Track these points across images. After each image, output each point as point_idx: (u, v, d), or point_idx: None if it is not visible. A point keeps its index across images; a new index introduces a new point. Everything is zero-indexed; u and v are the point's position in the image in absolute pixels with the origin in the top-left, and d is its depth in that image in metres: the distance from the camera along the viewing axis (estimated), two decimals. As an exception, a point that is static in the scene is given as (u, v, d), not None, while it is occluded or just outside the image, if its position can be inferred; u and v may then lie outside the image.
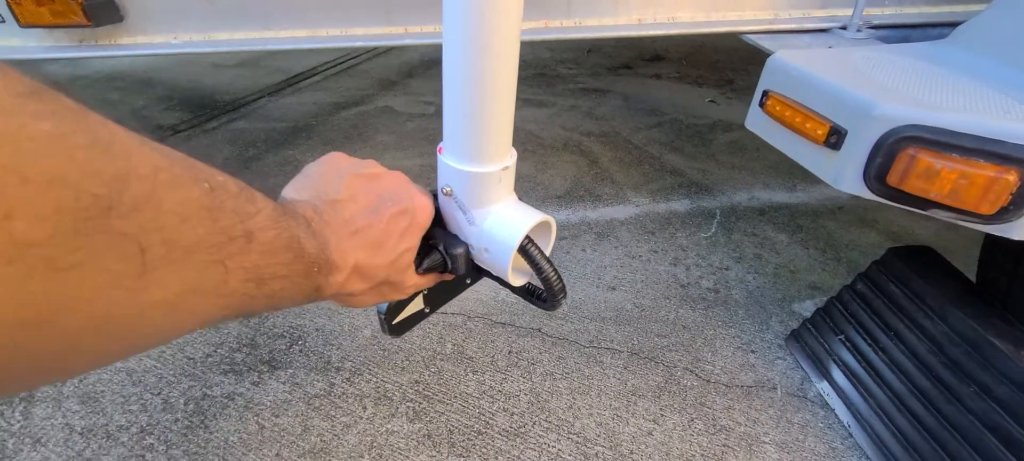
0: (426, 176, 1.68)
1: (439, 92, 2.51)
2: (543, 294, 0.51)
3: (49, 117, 0.17)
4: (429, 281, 0.50)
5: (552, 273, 0.45)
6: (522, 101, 2.32)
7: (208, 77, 2.62)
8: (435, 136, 1.96)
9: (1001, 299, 0.75)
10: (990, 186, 0.47)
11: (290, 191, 0.39)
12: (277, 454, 0.84)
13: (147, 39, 0.93)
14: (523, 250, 0.47)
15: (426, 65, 2.83)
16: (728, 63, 2.86)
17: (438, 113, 2.20)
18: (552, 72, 2.70)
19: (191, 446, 0.85)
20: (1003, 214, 0.49)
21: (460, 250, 0.49)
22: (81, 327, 0.19)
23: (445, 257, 0.50)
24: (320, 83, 2.57)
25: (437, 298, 0.56)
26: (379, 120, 2.11)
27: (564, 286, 0.46)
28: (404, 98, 2.36)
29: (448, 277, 0.53)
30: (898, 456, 0.77)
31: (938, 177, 0.49)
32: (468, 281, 0.59)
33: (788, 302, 1.15)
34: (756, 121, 0.72)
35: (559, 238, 1.35)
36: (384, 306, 0.52)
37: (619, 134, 1.97)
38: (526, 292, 0.53)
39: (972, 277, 0.83)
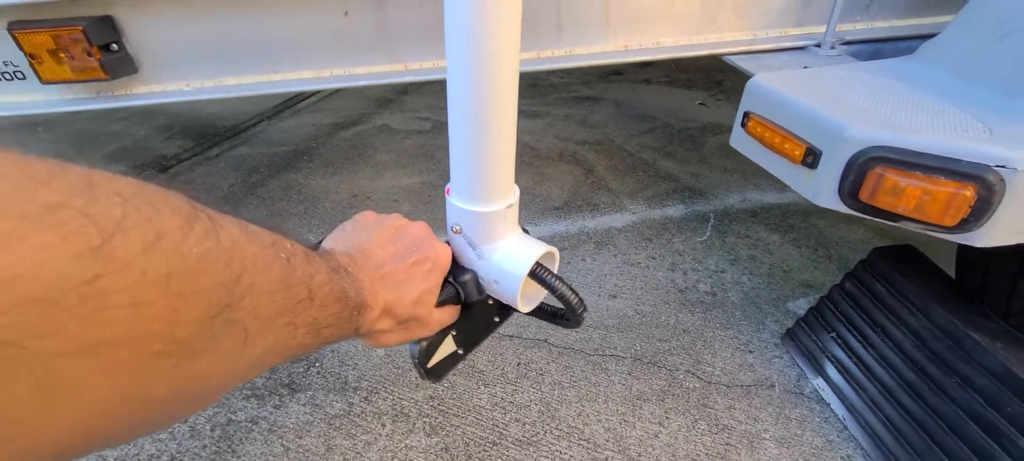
0: (426, 193, 1.73)
1: (434, 107, 2.56)
2: (564, 313, 0.54)
3: (199, 243, 0.22)
4: (450, 315, 0.54)
5: (569, 292, 0.49)
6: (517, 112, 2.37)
7: (209, 105, 2.67)
8: (433, 152, 2.01)
9: (978, 294, 0.80)
10: (950, 201, 0.52)
11: (329, 243, 0.44)
12: (303, 474, 0.89)
13: (161, 87, 0.98)
14: (536, 277, 0.51)
15: (420, 81, 2.89)
16: (716, 65, 2.92)
17: (434, 129, 2.25)
18: (544, 82, 2.76)
19: (221, 471, 0.90)
20: (964, 225, 0.54)
21: (467, 276, 0.54)
22: (195, 396, 0.24)
23: (455, 286, 0.54)
24: (317, 104, 2.62)
25: (468, 338, 0.59)
26: (377, 139, 2.16)
27: (582, 301, 0.49)
28: (400, 116, 2.41)
29: (456, 309, 0.58)
30: (890, 446, 0.82)
31: (904, 194, 0.54)
32: (496, 319, 0.64)
33: (783, 301, 1.20)
34: (740, 140, 0.77)
35: (561, 248, 1.40)
36: (416, 351, 0.56)
37: (613, 142, 2.03)
38: (549, 314, 0.57)
39: (952, 273, 0.88)
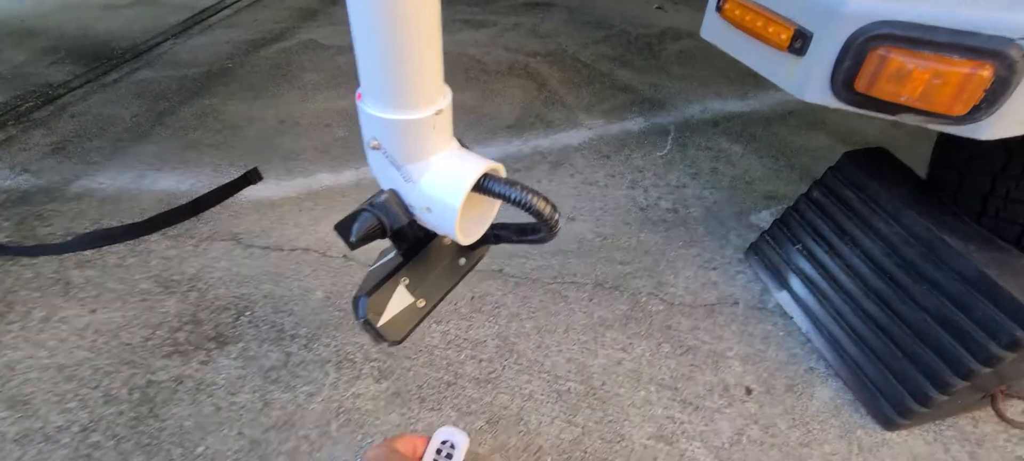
0: (367, 116, 1.55)
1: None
2: (534, 226, 0.44)
3: None
4: None
5: (536, 200, 0.39)
6: (460, 22, 2.15)
7: (99, 21, 2.28)
8: (372, 71, 1.80)
9: (952, 196, 0.76)
10: (964, 84, 0.44)
11: None
12: (239, 433, 0.80)
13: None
14: (489, 190, 0.40)
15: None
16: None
17: (373, 44, 2.01)
18: (493, -12, 2.50)
19: (143, 437, 0.80)
20: (974, 113, 0.46)
21: (382, 198, 0.43)
22: None
23: (371, 211, 0.43)
24: (231, 18, 2.29)
25: (427, 286, 0.50)
26: (304, 57, 1.91)
27: (553, 205, 0.40)
28: (328, 29, 2.14)
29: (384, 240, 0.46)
30: (853, 355, 0.80)
31: (910, 78, 0.46)
32: (462, 261, 0.53)
33: (745, 215, 1.15)
34: (712, 28, 0.66)
35: (514, 170, 1.29)
36: (362, 308, 0.45)
37: (566, 52, 1.87)
38: (518, 231, 0.47)
39: (923, 174, 0.83)
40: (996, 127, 0.47)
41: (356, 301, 0.47)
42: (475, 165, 0.42)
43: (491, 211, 0.48)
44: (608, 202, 1.20)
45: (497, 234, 0.49)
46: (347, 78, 1.75)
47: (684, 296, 0.98)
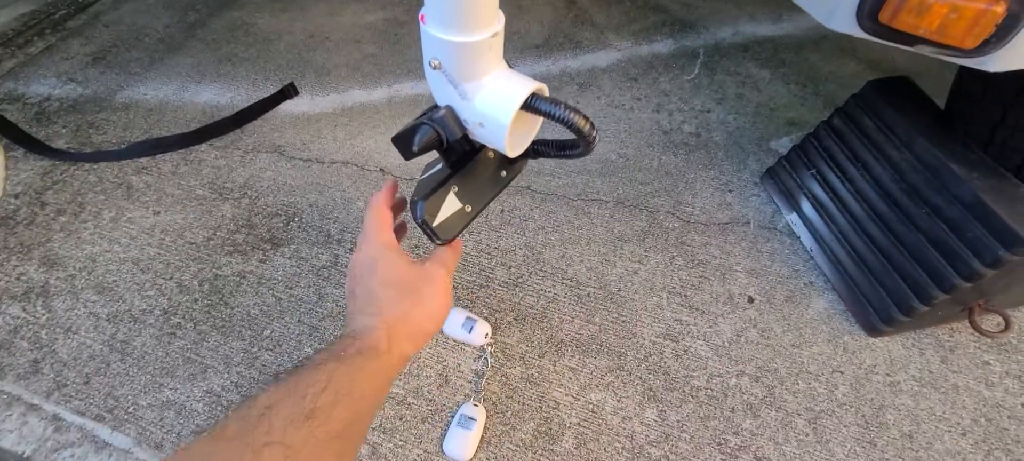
0: (392, 31, 1.56)
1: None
2: (572, 142, 0.50)
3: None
4: (450, 270, 0.53)
5: (576, 116, 0.44)
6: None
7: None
8: (397, -17, 1.77)
9: (964, 126, 0.79)
10: (978, 19, 0.48)
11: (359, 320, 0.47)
12: (299, 320, 0.92)
13: None
14: (534, 108, 0.46)
15: None
16: None
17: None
18: None
19: (217, 320, 0.92)
20: (984, 47, 0.50)
21: (442, 111, 0.49)
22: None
23: (430, 125, 0.49)
24: (253, -77, 2.21)
25: (473, 194, 0.56)
26: (331, -33, 1.88)
27: (591, 121, 0.44)
28: (355, -63, 2.07)
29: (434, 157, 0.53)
30: (850, 271, 0.88)
31: (929, 12, 0.49)
32: (503, 173, 0.59)
33: (766, 141, 1.19)
34: (752, -45, 0.67)
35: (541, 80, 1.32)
36: (420, 211, 0.52)
37: (598, -33, 1.81)
38: (556, 147, 0.53)
39: (943, 103, 0.86)
40: (1004, 60, 0.51)
41: (414, 204, 0.53)
42: (524, 85, 0.47)
43: (534, 128, 0.54)
44: (633, 124, 1.24)
45: (537, 149, 0.55)
46: (372, -9, 1.74)
47: (699, 215, 1.05)
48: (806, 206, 0.97)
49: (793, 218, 1.00)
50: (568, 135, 0.47)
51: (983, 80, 0.73)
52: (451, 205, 0.55)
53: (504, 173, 0.60)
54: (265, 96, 1.34)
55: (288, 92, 1.35)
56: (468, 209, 0.56)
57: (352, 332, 0.44)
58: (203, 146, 1.24)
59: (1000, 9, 0.47)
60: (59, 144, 1.25)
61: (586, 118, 0.44)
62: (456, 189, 0.55)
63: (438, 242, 0.54)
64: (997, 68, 0.52)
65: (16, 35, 1.61)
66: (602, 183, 1.11)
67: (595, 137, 0.46)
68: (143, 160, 1.22)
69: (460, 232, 0.56)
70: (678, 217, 1.05)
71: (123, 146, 1.24)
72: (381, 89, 1.37)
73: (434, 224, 0.53)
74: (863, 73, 1.35)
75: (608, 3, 1.64)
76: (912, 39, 0.52)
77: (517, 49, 1.47)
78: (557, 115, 0.45)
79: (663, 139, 1.21)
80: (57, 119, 1.32)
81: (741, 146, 1.18)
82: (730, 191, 1.09)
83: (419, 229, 0.53)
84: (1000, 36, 0.49)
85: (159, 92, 1.39)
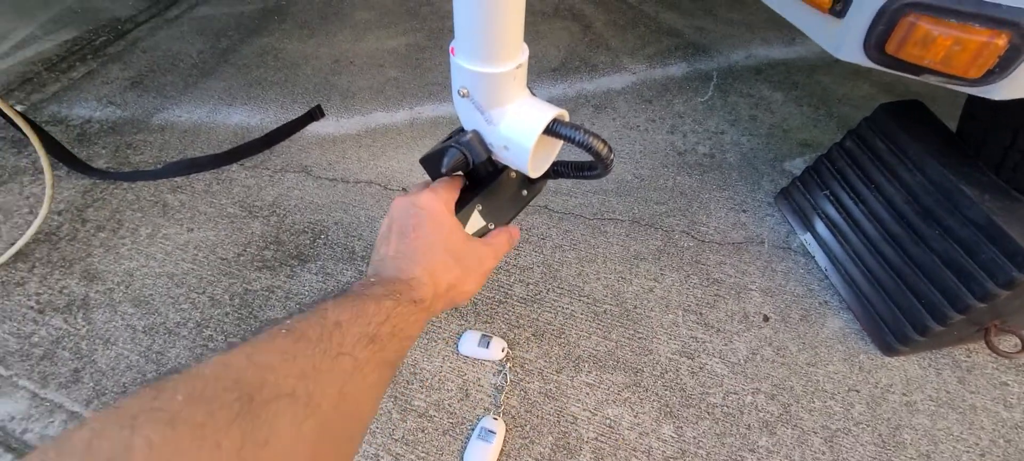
0: (413, 56, 1.62)
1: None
2: (590, 164, 0.54)
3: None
4: (496, 251, 0.55)
5: (594, 140, 0.47)
6: (507, -39, 2.13)
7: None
8: (417, 9, 1.85)
9: (976, 148, 0.81)
10: (980, 51, 0.50)
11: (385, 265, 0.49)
12: (323, 335, 0.95)
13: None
14: (554, 132, 0.50)
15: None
16: None
17: (417, -19, 2.04)
18: (535, -80, 2.44)
19: (247, 333, 0.96)
20: (988, 77, 0.52)
21: (469, 136, 0.53)
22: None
23: (458, 148, 0.53)
24: (281, -47, 2.32)
25: (497, 212, 0.60)
26: (355, -6, 1.96)
27: (609, 145, 0.48)
28: (377, -35, 2.16)
29: (459, 180, 0.57)
30: (865, 291, 0.89)
31: (934, 44, 0.52)
32: (524, 193, 0.62)
33: (779, 161, 1.21)
34: (762, -12, 0.71)
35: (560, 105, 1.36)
36: None
37: (612, -8, 1.87)
38: (575, 168, 0.57)
39: (955, 126, 0.88)
40: (1008, 89, 0.53)
41: None
42: (546, 111, 0.51)
43: (554, 150, 0.57)
44: (648, 145, 1.27)
45: (557, 170, 0.59)
46: (396, 17, 1.81)
47: (714, 234, 1.07)
48: (820, 226, 0.99)
49: (807, 238, 1.01)
50: (587, 157, 0.50)
51: (992, 105, 0.75)
52: (475, 222, 0.58)
53: (525, 192, 0.63)
54: (293, 118, 1.40)
55: (315, 114, 1.41)
56: (492, 226, 0.60)
57: (406, 277, 0.46)
58: (234, 166, 1.30)
59: (1002, 42, 0.49)
60: (99, 164, 1.32)
61: (604, 142, 0.48)
62: (480, 207, 0.59)
63: None
64: (1001, 97, 0.54)
65: (60, 60, 1.70)
66: (618, 203, 1.14)
67: (612, 160, 0.49)
68: (178, 179, 1.28)
69: None
70: (693, 236, 1.07)
71: (159, 166, 1.31)
72: (403, 111, 1.43)
73: None
74: (876, 96, 1.36)
75: (623, 28, 1.69)
76: (918, 69, 0.55)
77: (534, 72, 1.52)
78: (577, 139, 0.48)
79: (677, 160, 1.23)
80: (97, 140, 1.39)
81: (755, 167, 1.20)
82: (744, 211, 1.11)
83: None
84: (1003, 67, 0.51)
85: (193, 114, 1.46)
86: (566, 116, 0.53)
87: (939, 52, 0.52)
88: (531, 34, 1.68)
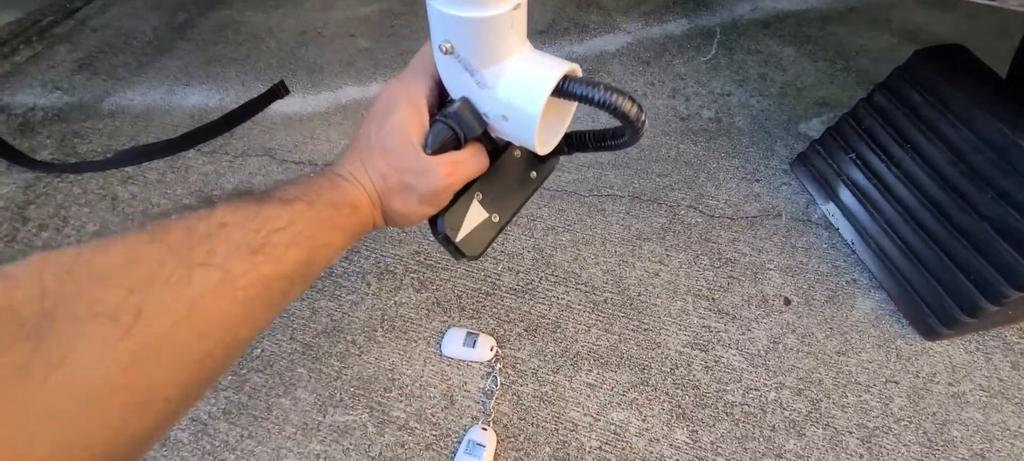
0: (387, 23, 1.48)
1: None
2: (615, 131, 0.41)
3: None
4: (459, 166, 0.42)
5: (620, 99, 0.34)
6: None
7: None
8: (392, -27, 1.69)
9: (1036, 96, 0.69)
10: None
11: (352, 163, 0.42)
12: (291, 337, 0.85)
13: None
14: (566, 92, 0.37)
15: None
16: None
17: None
18: None
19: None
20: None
21: (455, 106, 0.40)
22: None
23: (444, 122, 0.41)
24: (244, -80, 2.14)
25: (500, 201, 0.48)
26: (323, -40, 1.80)
27: (640, 105, 0.36)
28: (347, -72, 1.99)
29: (464, 157, 0.44)
30: (901, 267, 0.78)
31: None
32: (533, 174, 0.50)
33: (794, 124, 1.09)
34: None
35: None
36: (441, 226, 0.45)
37: (604, -54, 1.71)
38: (596, 139, 0.44)
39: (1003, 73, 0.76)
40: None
41: (434, 219, 0.45)
42: (554, 67, 0.38)
43: (566, 118, 0.45)
44: (647, 111, 1.15)
45: (573, 142, 0.46)
46: (367, -17, 1.66)
47: (725, 208, 0.95)
48: (845, 194, 0.87)
49: (830, 208, 0.90)
50: (608, 121, 0.38)
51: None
52: (476, 215, 0.46)
53: (534, 174, 0.51)
54: (255, 96, 1.26)
55: (278, 91, 1.27)
56: (496, 219, 0.48)
57: (337, 173, 0.40)
58: (190, 152, 1.17)
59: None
60: (43, 155, 1.19)
61: (632, 100, 0.35)
62: (480, 196, 0.46)
63: (463, 260, 0.47)
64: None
65: (2, 44, 1.56)
66: (616, 177, 1.02)
67: (644, 122, 0.36)
68: (129, 169, 1.15)
69: (488, 245, 0.48)
70: (701, 211, 0.95)
71: (108, 155, 1.18)
72: (376, 84, 1.30)
73: (458, 239, 0.45)
74: (899, 46, 1.24)
75: (616, -17, 1.54)
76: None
77: (520, 36, 1.38)
78: (597, 99, 0.35)
79: (681, 126, 1.11)
80: (41, 129, 1.26)
81: (767, 131, 1.08)
82: (757, 181, 0.99)
83: (442, 247, 0.46)
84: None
85: (146, 97, 1.33)
86: (579, 71, 0.40)
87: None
88: (516, -5, 1.53)
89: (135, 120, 1.26)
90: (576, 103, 0.39)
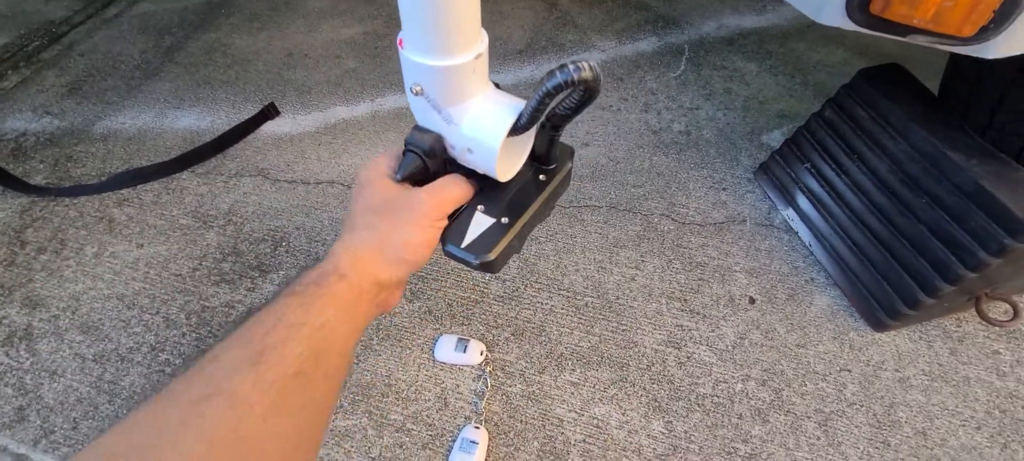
0: (371, 45, 1.54)
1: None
2: (578, 102, 0.42)
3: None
4: (440, 192, 0.45)
5: (569, 77, 0.36)
6: (468, -61, 2.04)
7: (90, -50, 2.19)
8: (376, -5, 1.75)
9: (962, 112, 0.77)
10: (975, 5, 0.46)
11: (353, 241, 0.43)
12: (289, 350, 0.89)
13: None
14: (520, 128, 0.43)
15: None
16: None
17: (374, -35, 1.93)
18: None
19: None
20: (982, 34, 0.48)
21: (426, 136, 0.46)
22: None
23: (415, 152, 0.47)
24: (228, -58, 2.18)
25: (509, 207, 0.48)
26: (308, -18, 1.85)
27: (586, 64, 0.37)
28: (331, -50, 2.04)
29: (444, 186, 0.48)
30: (852, 265, 0.86)
31: (924, 1, 0.47)
32: (542, 177, 0.51)
33: (757, 134, 1.17)
34: (735, -50, 0.65)
35: (524, 97, 1.30)
36: (444, 241, 0.47)
37: (579, -33, 1.79)
38: (572, 111, 0.44)
39: (937, 85, 0.84)
40: (1004, 46, 0.49)
41: (442, 240, 0.48)
42: (513, 105, 0.45)
43: (525, 147, 0.51)
44: (621, 126, 1.22)
45: (557, 124, 0.47)
46: (351, 3, 1.71)
47: (694, 216, 1.03)
48: (802, 200, 0.95)
49: (790, 213, 0.98)
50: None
51: (979, 64, 0.71)
52: (481, 223, 0.47)
53: (543, 177, 0.51)
54: (246, 118, 1.31)
55: (269, 113, 1.32)
56: (505, 220, 0.47)
57: (323, 261, 0.40)
58: (184, 174, 1.21)
59: (997, -6, 0.45)
60: (37, 180, 1.22)
61: (577, 66, 0.37)
62: (482, 207, 0.48)
63: (482, 269, 0.47)
64: (996, 54, 0.50)
65: (-11, 70, 1.57)
66: (594, 188, 1.09)
67: (599, 75, 0.38)
68: (124, 191, 1.18)
69: (505, 248, 0.47)
70: (673, 219, 1.02)
71: (103, 179, 1.21)
72: (364, 104, 1.35)
73: (463, 245, 0.46)
74: (852, 60, 1.33)
75: (590, 4, 1.62)
76: (906, 29, 0.50)
77: (499, 56, 1.45)
78: (551, 89, 0.38)
79: (653, 139, 1.19)
80: (34, 154, 1.29)
81: (732, 142, 1.16)
82: (724, 189, 1.07)
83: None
84: (998, 22, 0.47)
85: (137, 120, 1.36)
86: None
87: (929, 9, 0.47)
88: (494, 14, 1.60)
89: (127, 143, 1.29)
90: (533, 131, 0.45)
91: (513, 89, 1.33)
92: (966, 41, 0.49)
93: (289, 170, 1.19)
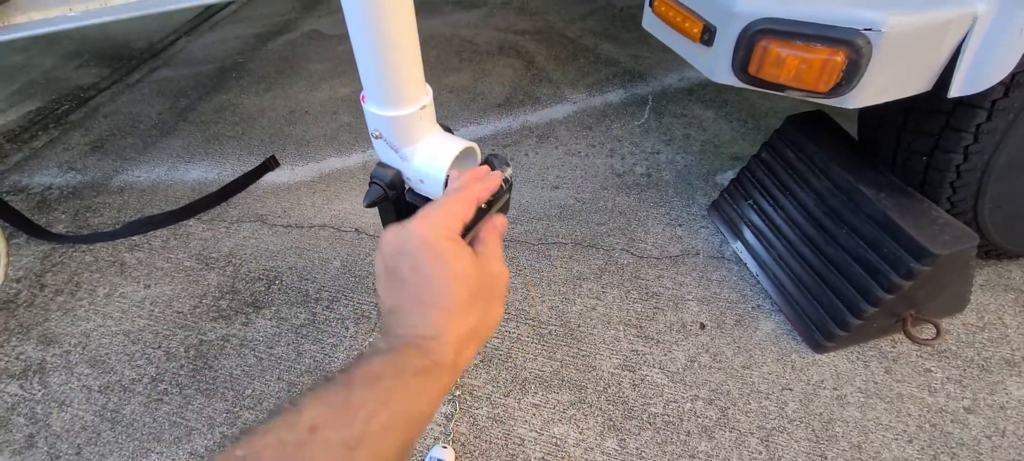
0: (370, 101, 1.68)
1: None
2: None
3: None
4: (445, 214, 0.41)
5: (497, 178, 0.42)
6: (452, 4, 2.24)
7: (116, 25, 2.42)
8: (373, 57, 1.92)
9: (873, 151, 0.87)
10: (824, 67, 0.56)
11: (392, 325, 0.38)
12: (279, 377, 0.97)
13: (41, 15, 0.89)
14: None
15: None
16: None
17: (373, 30, 2.12)
18: (486, -35, 2.57)
19: (202, 384, 0.97)
20: (837, 89, 0.58)
21: (388, 172, 0.57)
22: None
23: (378, 184, 0.57)
24: (236, 13, 2.41)
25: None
26: (308, 48, 2.04)
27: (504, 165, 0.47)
28: (330, 18, 2.25)
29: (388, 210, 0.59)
30: (792, 292, 0.93)
31: (784, 64, 0.58)
32: (482, 207, 0.59)
33: (712, 175, 1.27)
34: (649, 22, 0.77)
35: (503, 145, 1.42)
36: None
37: (553, 29, 1.96)
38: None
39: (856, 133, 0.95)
40: (858, 98, 0.59)
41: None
42: (454, 144, 0.55)
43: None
44: (589, 170, 1.33)
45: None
46: (348, 66, 1.88)
47: (652, 250, 1.11)
48: (748, 234, 1.04)
49: (738, 246, 1.06)
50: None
51: (877, 111, 0.81)
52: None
53: (483, 207, 0.61)
54: (249, 170, 1.43)
55: (270, 164, 1.45)
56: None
57: (417, 340, 0.36)
58: (192, 221, 1.32)
59: (840, 58, 0.55)
60: (59, 229, 1.34)
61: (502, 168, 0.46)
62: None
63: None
64: (854, 105, 0.60)
65: (22, 131, 1.73)
66: (561, 226, 1.19)
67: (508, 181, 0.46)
68: (136, 238, 1.30)
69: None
70: (632, 253, 1.11)
71: (116, 226, 1.33)
72: (356, 154, 1.48)
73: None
74: (798, 107, 1.44)
75: (564, 61, 1.77)
76: (779, 87, 0.61)
77: (482, 109, 1.58)
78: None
79: (617, 181, 1.29)
80: (57, 206, 1.42)
81: (689, 182, 1.26)
82: (680, 225, 1.16)
83: None
84: (848, 79, 0.57)
85: (152, 173, 1.49)
86: (477, 149, 0.58)
87: (791, 71, 0.58)
88: (478, 72, 1.75)
89: (141, 194, 1.42)
90: (475, 163, 0.55)
91: (493, 138, 1.46)
92: (826, 95, 0.59)
93: (285, 216, 1.30)
